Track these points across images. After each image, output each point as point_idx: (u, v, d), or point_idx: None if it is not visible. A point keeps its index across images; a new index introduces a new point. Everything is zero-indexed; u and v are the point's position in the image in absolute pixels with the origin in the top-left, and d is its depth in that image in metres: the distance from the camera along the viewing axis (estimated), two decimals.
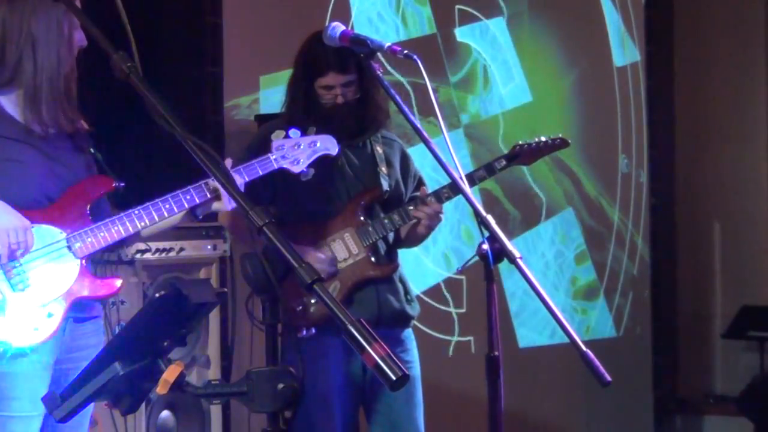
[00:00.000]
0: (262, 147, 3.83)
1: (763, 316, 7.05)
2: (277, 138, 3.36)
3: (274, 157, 3.31)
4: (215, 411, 4.36)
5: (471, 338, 5.84)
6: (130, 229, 3.08)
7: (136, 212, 3.09)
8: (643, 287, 7.12)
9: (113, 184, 3.16)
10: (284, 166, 3.32)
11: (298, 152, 3.35)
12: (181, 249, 4.26)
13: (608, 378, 2.76)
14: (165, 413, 4.22)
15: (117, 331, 3.99)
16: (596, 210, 6.81)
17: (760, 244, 7.28)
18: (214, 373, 4.37)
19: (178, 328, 2.24)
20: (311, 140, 3.39)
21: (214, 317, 4.39)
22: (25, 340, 2.98)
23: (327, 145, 3.42)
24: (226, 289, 4.40)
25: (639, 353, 7.05)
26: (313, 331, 3.68)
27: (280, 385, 2.07)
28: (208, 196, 3.14)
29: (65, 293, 3.04)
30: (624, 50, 7.03)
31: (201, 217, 3.26)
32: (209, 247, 4.36)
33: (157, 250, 4.18)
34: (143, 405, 3.92)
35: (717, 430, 7.25)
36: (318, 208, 3.85)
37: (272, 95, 5.02)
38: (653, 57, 7.23)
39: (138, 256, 4.13)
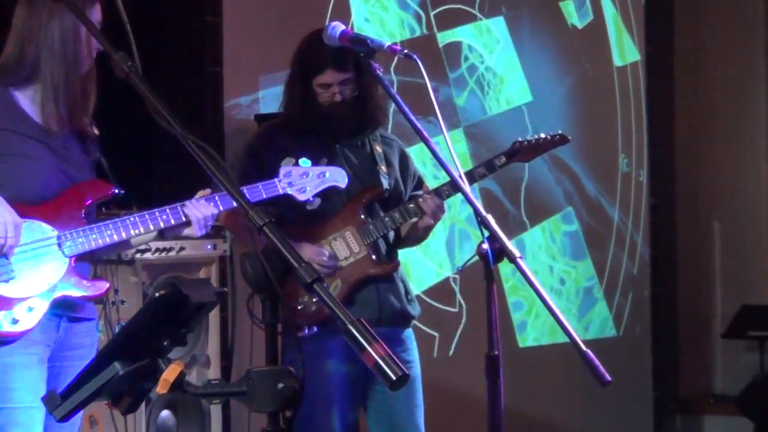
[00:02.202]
0: (263, 149, 3.83)
1: (763, 316, 7.05)
2: (286, 164, 3.39)
3: (281, 183, 3.33)
4: (215, 411, 4.36)
5: (470, 338, 5.84)
6: (123, 235, 3.11)
7: (131, 219, 3.12)
8: (643, 287, 7.12)
9: (112, 190, 3.19)
10: (290, 192, 3.35)
11: (306, 181, 3.37)
12: (181, 249, 4.26)
13: (608, 378, 2.76)
14: (165, 413, 4.22)
15: (117, 331, 3.99)
16: (596, 210, 6.81)
17: (760, 244, 7.28)
18: (214, 372, 4.38)
19: (178, 327, 2.24)
20: (321, 171, 3.41)
21: (214, 317, 4.40)
22: (2, 329, 2.99)
23: (336, 177, 3.44)
24: (226, 289, 4.41)
25: (639, 353, 7.05)
26: (315, 329, 3.68)
27: (280, 385, 2.07)
28: (183, 219, 3.17)
29: (48, 290, 3.05)
30: (624, 50, 7.03)
31: (168, 237, 3.31)
32: (209, 246, 4.36)
33: (157, 249, 4.18)
34: (143, 405, 3.92)
35: (717, 430, 7.25)
36: (318, 207, 3.84)
37: (272, 95, 5.02)
38: (653, 57, 7.23)
39: (138, 255, 4.13)
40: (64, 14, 3.08)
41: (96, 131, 3.24)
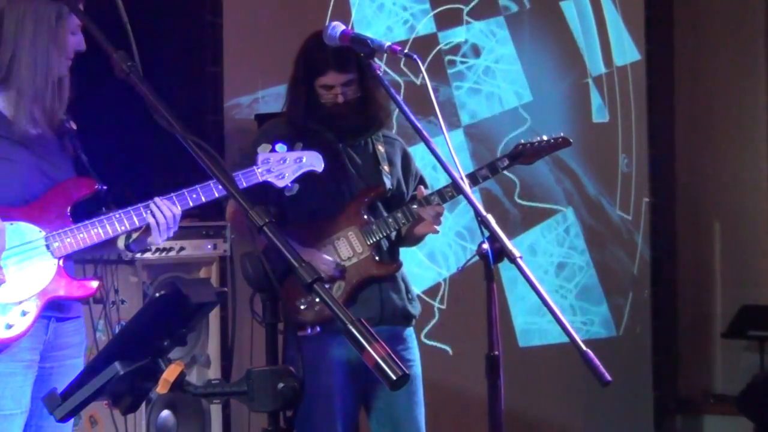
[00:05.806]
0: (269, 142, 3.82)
1: (763, 316, 7.05)
2: (263, 151, 3.35)
3: (259, 170, 3.29)
4: (215, 411, 4.36)
5: (470, 337, 5.84)
6: (110, 231, 3.07)
7: (117, 215, 3.08)
8: (643, 287, 7.11)
9: (96, 187, 3.15)
10: (269, 180, 3.30)
11: (284, 167, 3.32)
12: (181, 248, 4.26)
13: (608, 378, 2.75)
14: (165, 413, 4.22)
15: (117, 331, 3.99)
16: (596, 210, 6.81)
17: (760, 244, 7.28)
18: (214, 372, 4.38)
19: (178, 327, 2.24)
20: (297, 156, 3.36)
21: (214, 317, 4.40)
22: None
23: (313, 161, 3.40)
24: (226, 289, 4.40)
25: (639, 353, 7.05)
26: (318, 329, 3.68)
27: (281, 385, 2.07)
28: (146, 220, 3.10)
29: (40, 292, 3.02)
30: (624, 50, 7.03)
31: (137, 251, 3.24)
32: (209, 246, 4.36)
33: (157, 249, 4.18)
34: (143, 405, 3.92)
35: (717, 430, 7.24)
36: (321, 207, 3.85)
37: (272, 95, 5.02)
38: (653, 56, 7.23)
39: (138, 255, 4.12)
40: (41, 15, 3.04)
41: (73, 126, 3.20)
